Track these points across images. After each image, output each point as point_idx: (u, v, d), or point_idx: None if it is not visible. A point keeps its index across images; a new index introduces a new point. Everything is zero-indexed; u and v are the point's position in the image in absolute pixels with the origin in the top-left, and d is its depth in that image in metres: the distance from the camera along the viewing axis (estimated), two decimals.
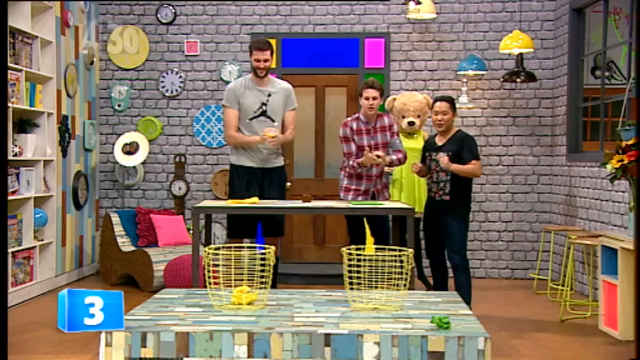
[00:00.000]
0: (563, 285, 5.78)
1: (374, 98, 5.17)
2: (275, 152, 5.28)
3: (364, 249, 2.77)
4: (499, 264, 7.10)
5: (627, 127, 4.61)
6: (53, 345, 4.38)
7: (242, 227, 5.22)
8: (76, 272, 6.70)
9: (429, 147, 5.32)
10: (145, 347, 2.33)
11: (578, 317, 5.28)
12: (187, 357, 2.34)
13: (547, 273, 6.77)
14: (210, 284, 2.78)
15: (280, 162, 5.34)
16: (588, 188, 6.10)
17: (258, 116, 5.18)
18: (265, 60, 5.12)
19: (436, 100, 5.23)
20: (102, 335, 2.35)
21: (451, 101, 5.20)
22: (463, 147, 5.08)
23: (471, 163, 5.05)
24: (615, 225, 5.48)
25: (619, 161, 4.16)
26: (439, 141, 5.22)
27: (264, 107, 5.19)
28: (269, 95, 5.20)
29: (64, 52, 6.47)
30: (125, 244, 6.46)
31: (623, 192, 5.32)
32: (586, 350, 4.40)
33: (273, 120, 5.20)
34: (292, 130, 5.30)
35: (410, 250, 2.74)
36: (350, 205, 4.81)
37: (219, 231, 7.20)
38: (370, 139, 5.23)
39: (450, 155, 5.04)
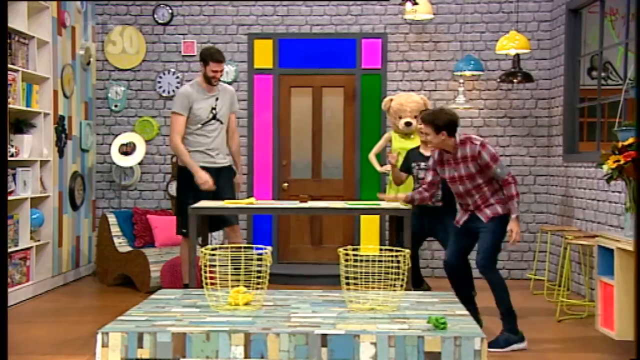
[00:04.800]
0: (560, 286, 5.79)
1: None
2: (222, 152, 5.48)
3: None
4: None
5: (624, 128, 4.62)
6: (50, 346, 4.37)
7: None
8: (73, 272, 6.69)
9: (416, 157, 5.51)
10: (141, 347, 2.33)
11: (575, 318, 5.29)
12: (184, 357, 2.34)
13: (543, 273, 6.77)
14: (207, 284, 2.78)
15: (228, 161, 5.54)
16: (584, 188, 6.11)
17: (209, 121, 5.38)
18: (221, 71, 5.34)
19: (422, 112, 5.47)
20: (99, 336, 2.35)
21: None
22: None
23: None
24: (611, 226, 5.49)
25: (615, 162, 4.16)
26: (426, 152, 5.43)
27: (214, 112, 5.39)
28: (217, 99, 5.41)
29: (61, 53, 6.47)
30: (122, 245, 6.45)
31: (619, 192, 5.33)
32: (583, 351, 4.41)
33: (222, 123, 5.42)
34: (237, 135, 5.63)
35: (407, 250, 2.75)
36: (347, 206, 4.81)
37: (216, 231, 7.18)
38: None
39: None
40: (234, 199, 5.41)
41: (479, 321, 4.82)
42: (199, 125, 5.34)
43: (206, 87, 5.37)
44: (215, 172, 5.38)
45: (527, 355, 4.33)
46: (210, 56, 5.29)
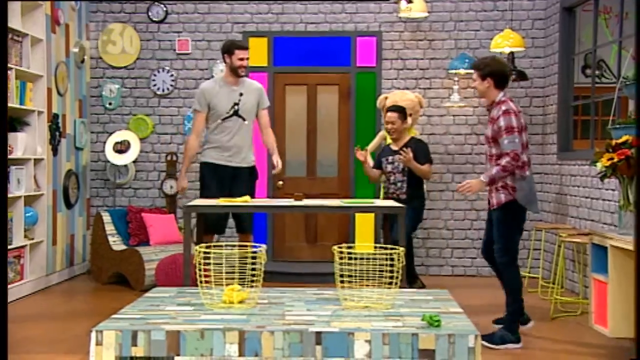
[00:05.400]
0: (554, 283, 5.81)
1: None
2: (243, 152, 5.32)
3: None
4: None
5: (617, 126, 4.63)
6: (44, 345, 4.36)
7: (213, 223, 5.32)
8: (67, 271, 6.68)
9: (386, 152, 5.90)
10: (136, 345, 2.33)
11: (569, 315, 5.31)
12: (178, 355, 2.34)
13: (538, 271, 6.79)
14: (201, 282, 2.78)
15: (249, 163, 5.37)
16: (578, 186, 6.12)
17: (230, 116, 5.28)
18: (248, 59, 5.28)
19: (387, 110, 5.85)
20: (93, 334, 2.34)
21: (400, 111, 5.78)
22: (418, 152, 5.67)
23: (425, 166, 5.69)
24: (605, 224, 5.51)
25: (609, 159, 4.17)
26: (395, 146, 5.84)
27: (236, 107, 5.28)
28: (241, 94, 5.30)
29: (55, 50, 6.45)
30: (116, 243, 6.44)
31: (613, 190, 5.35)
32: (577, 348, 4.43)
33: (244, 120, 5.31)
34: (271, 131, 5.52)
35: (402, 248, 2.75)
36: (342, 204, 4.81)
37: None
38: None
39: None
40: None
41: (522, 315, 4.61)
42: (219, 121, 5.28)
43: (230, 81, 5.29)
44: (232, 172, 5.31)
45: (521, 352, 4.35)
46: (234, 44, 5.25)
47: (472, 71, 5.33)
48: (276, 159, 5.34)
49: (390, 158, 5.79)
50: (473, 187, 4.38)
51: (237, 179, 5.33)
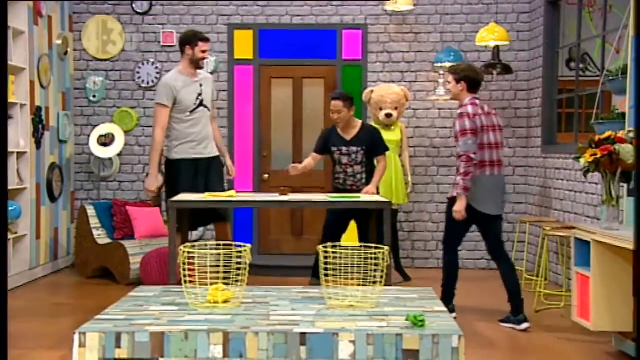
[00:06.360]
0: (538, 276, 5.85)
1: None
2: (211, 141, 5.32)
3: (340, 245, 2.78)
4: (475, 254, 7.16)
5: (600, 121, 4.66)
6: (28, 340, 4.34)
7: (193, 218, 5.27)
8: (51, 265, 6.64)
9: (336, 141, 5.47)
10: (119, 347, 2.32)
11: (552, 308, 5.36)
12: (162, 357, 2.33)
13: (522, 264, 6.84)
14: (186, 282, 2.77)
15: (216, 151, 5.37)
16: (562, 180, 6.17)
17: (197, 108, 5.22)
18: (208, 51, 5.27)
19: (331, 98, 5.46)
20: (76, 336, 2.33)
21: (345, 99, 5.39)
22: (375, 141, 5.46)
23: (380, 159, 5.46)
24: (588, 217, 5.55)
25: (592, 155, 4.19)
26: (346, 135, 5.46)
27: (200, 98, 5.24)
28: (201, 85, 5.26)
29: (37, 43, 6.37)
30: (101, 237, 6.40)
31: (596, 184, 5.39)
32: (560, 341, 4.48)
33: (209, 110, 5.29)
34: (216, 124, 5.55)
35: (386, 247, 2.76)
36: (328, 199, 4.81)
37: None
38: None
39: (364, 150, 5.40)
40: (224, 191, 5.24)
41: (518, 306, 4.83)
42: (187, 114, 5.18)
43: (189, 73, 5.21)
44: (207, 164, 5.25)
45: (505, 345, 4.38)
46: (196, 36, 5.19)
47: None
48: (230, 164, 5.54)
49: (344, 149, 5.44)
50: (459, 207, 4.73)
51: (211, 170, 5.30)
